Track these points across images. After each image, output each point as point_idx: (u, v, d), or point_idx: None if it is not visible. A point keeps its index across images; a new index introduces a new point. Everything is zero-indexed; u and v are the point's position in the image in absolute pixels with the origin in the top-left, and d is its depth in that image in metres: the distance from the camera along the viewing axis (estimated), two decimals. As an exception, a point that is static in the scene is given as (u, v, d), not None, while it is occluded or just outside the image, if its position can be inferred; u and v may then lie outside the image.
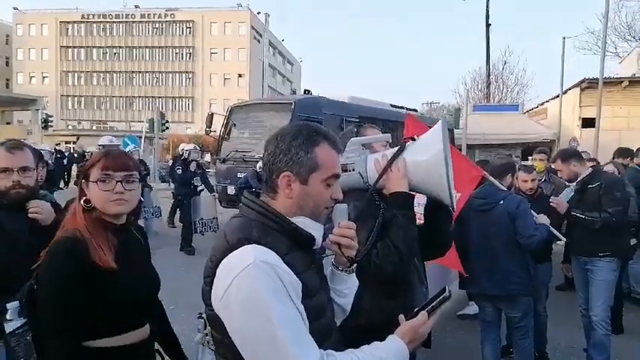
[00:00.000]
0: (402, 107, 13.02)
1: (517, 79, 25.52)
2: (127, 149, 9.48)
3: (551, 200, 3.76)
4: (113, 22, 55.92)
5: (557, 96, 18.56)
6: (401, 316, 1.28)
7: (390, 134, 2.10)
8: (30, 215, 1.93)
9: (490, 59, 23.17)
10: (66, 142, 30.41)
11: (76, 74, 56.81)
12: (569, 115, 17.52)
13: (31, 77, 56.04)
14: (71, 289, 1.43)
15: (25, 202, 1.96)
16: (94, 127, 52.39)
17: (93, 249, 1.47)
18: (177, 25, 55.52)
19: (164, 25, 55.55)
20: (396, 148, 1.87)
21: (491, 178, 3.54)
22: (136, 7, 56.02)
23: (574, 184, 3.87)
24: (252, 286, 1.09)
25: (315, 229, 1.29)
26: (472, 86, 25.34)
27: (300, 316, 1.13)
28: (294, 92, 20.57)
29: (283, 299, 1.11)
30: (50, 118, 25.80)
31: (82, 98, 56.95)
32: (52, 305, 1.43)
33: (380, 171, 1.84)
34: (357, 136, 2.04)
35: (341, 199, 1.34)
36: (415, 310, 1.27)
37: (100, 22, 56.09)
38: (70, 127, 52.31)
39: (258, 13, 54.65)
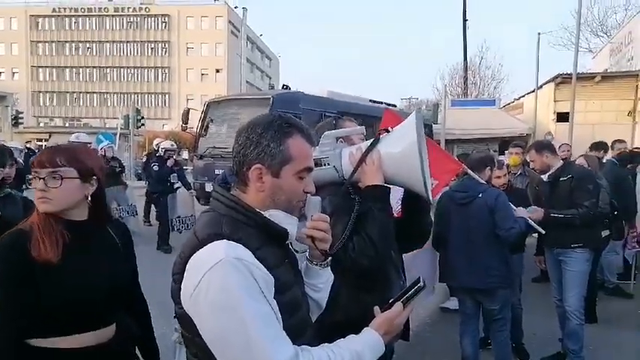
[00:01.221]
0: (381, 102, 13.03)
1: (494, 75, 25.96)
2: (100, 146, 9.26)
3: (526, 216, 3.71)
4: (85, 15, 54.60)
5: (533, 91, 18.92)
6: (376, 308, 1.26)
7: (364, 127, 2.06)
8: None
9: (467, 54, 23.47)
10: (37, 140, 29.61)
11: (47, 69, 55.32)
12: (544, 110, 17.85)
13: (0, 73, 54.30)
14: (10, 282, 1.41)
15: None
16: (67, 124, 51.06)
17: (34, 243, 1.44)
18: (153, 19, 54.53)
19: (139, 19, 54.48)
20: (371, 141, 1.84)
21: (470, 172, 3.55)
22: (109, 0, 54.75)
23: (546, 175, 3.92)
24: (223, 283, 1.05)
25: (288, 222, 1.25)
26: (450, 81, 25.66)
27: (274, 313, 1.10)
28: (272, 87, 20.47)
29: (255, 296, 1.07)
30: (20, 115, 25.13)
31: (54, 94, 55.53)
32: None
33: (355, 164, 1.80)
34: (334, 130, 1.99)
35: (314, 192, 1.30)
36: (390, 301, 1.25)
37: (72, 15, 54.69)
38: (41, 124, 50.90)
39: (236, 7, 53.96)
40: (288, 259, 1.28)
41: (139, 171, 20.71)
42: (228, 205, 1.21)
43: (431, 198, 1.85)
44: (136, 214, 9.06)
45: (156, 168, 8.42)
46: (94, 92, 55.13)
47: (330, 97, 11.05)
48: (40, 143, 24.48)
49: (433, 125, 15.66)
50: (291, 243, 1.34)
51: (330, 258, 1.40)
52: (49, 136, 38.34)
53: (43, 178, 1.49)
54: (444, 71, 39.78)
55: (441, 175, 3.59)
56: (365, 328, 1.22)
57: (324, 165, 1.82)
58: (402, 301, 1.24)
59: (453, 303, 4.95)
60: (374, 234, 1.71)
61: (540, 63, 19.90)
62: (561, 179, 3.81)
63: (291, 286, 1.22)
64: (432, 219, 3.80)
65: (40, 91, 55.35)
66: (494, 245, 3.38)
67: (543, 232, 3.74)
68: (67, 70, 55.40)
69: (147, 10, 54.06)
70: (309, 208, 1.31)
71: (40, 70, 55.24)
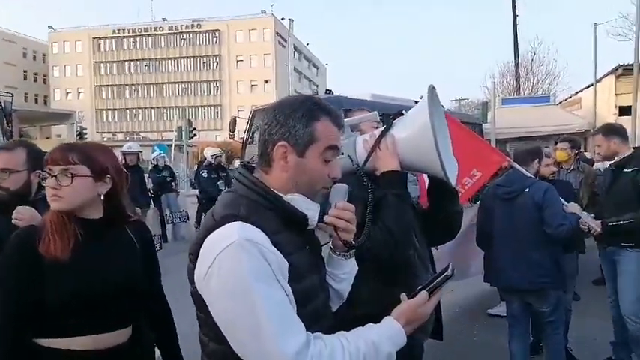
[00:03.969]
0: (427, 103, 12.78)
1: (548, 70, 24.73)
2: (152, 156, 9.67)
3: (584, 227, 3.37)
4: (142, 35, 57.56)
5: (591, 85, 17.86)
6: (403, 295, 1.19)
7: (377, 112, 1.99)
8: (13, 221, 1.83)
9: (519, 51, 22.52)
10: (101, 154, 31.57)
11: (109, 88, 58.72)
12: (605, 104, 16.78)
13: (68, 93, 58.28)
14: (11, 280, 1.41)
15: (8, 205, 1.87)
16: (128, 138, 53.86)
17: (44, 240, 1.43)
18: (204, 35, 56.64)
19: (191, 35, 56.77)
20: (384, 126, 1.77)
21: (516, 165, 3.37)
22: (164, 19, 57.49)
23: (608, 164, 3.61)
24: (233, 265, 1.03)
25: (309, 208, 1.20)
26: (501, 80, 24.71)
27: (287, 298, 1.07)
28: (315, 93, 20.56)
29: (268, 280, 1.04)
30: (85, 131, 26.71)
31: (116, 111, 58.80)
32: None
33: (369, 151, 1.73)
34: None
35: (339, 178, 1.26)
36: (417, 289, 1.18)
37: (130, 36, 57.83)
38: (105, 139, 54.02)
39: (282, 18, 55.02)
40: (309, 246, 1.24)
41: (194, 180, 21.59)
42: (248, 186, 1.19)
43: (452, 180, 1.75)
44: (188, 220, 9.37)
45: (204, 175, 8.70)
46: (151, 107, 57.89)
47: (374, 99, 10.96)
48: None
49: (483, 125, 15.15)
50: (313, 230, 1.30)
51: (354, 249, 1.35)
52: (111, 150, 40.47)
53: (56, 176, 1.47)
54: (494, 69, 38.30)
55: (484, 167, 3.46)
56: (386, 317, 1.16)
57: (339, 154, 1.77)
58: (427, 290, 1.17)
59: (502, 309, 4.72)
60: (390, 221, 1.63)
61: (598, 55, 18.68)
62: (625, 170, 3.46)
63: (308, 274, 1.19)
64: (476, 213, 3.68)
65: (103, 109, 58.81)
66: (542, 243, 3.17)
67: (598, 229, 3.46)
68: (127, 87, 58.56)
69: (198, 26, 56.26)
70: (334, 195, 1.26)
71: (103, 88, 58.72)
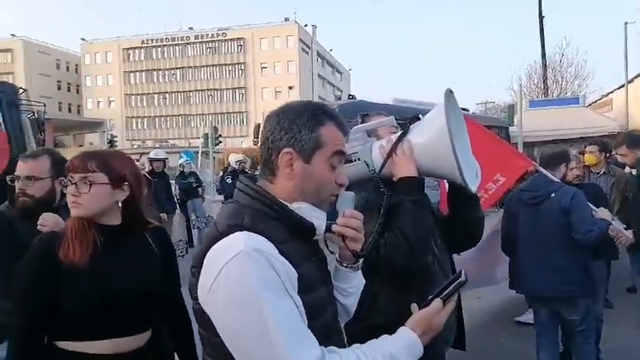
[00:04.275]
0: (452, 107, 12.63)
1: (577, 72, 24.04)
2: (179, 162, 9.84)
3: (612, 234, 3.27)
4: (170, 44, 58.86)
5: (623, 85, 17.30)
6: (413, 305, 1.14)
7: (393, 117, 1.96)
8: (38, 227, 1.88)
9: (546, 52, 21.99)
10: (130, 161, 32.56)
11: (138, 96, 60.19)
12: (637, 105, 16.22)
13: (99, 102, 60.01)
14: (30, 284, 1.47)
15: (33, 212, 1.93)
16: (157, 145, 55.07)
17: (64, 245, 1.47)
18: (229, 43, 57.53)
19: (216, 44, 57.74)
20: (401, 131, 1.74)
21: (542, 169, 3.29)
22: (190, 28, 58.69)
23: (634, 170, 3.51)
24: (241, 276, 0.98)
25: (316, 216, 1.16)
26: (528, 82, 24.14)
27: (298, 309, 1.02)
28: (338, 98, 20.62)
29: (277, 291, 0.99)
30: (115, 139, 27.49)
31: (145, 119, 60.20)
32: (17, 298, 1.48)
33: (385, 157, 1.70)
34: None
35: (347, 184, 1.22)
36: (429, 298, 1.14)
37: (158, 45, 59.20)
38: (135, 146, 55.36)
39: (305, 25, 55.64)
40: (316, 257, 1.20)
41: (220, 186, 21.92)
42: (252, 195, 1.14)
43: (471, 186, 1.71)
44: (213, 226, 9.48)
45: (229, 181, 8.82)
46: (179, 115, 59.03)
47: (396, 103, 10.90)
48: (132, 164, 26.73)
49: (510, 128, 14.85)
50: (325, 241, 1.27)
51: (361, 260, 1.30)
52: (140, 157, 41.49)
53: (75, 183, 1.50)
54: (521, 71, 37.34)
55: (508, 172, 3.39)
56: (400, 328, 1.11)
57: (355, 160, 1.74)
58: (441, 298, 1.13)
59: (530, 317, 4.59)
60: (406, 228, 1.59)
61: (629, 55, 18.07)
62: None
63: (317, 287, 1.14)
64: (501, 220, 3.60)
65: (132, 117, 60.29)
66: (570, 249, 3.08)
67: (631, 238, 3.31)
68: (156, 95, 59.91)
69: (224, 35, 57.17)
70: (342, 203, 1.22)
71: (132, 97, 60.23)
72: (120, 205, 1.58)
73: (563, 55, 23.96)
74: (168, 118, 59.63)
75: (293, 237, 1.12)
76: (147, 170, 7.05)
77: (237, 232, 1.04)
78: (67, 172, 1.56)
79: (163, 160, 7.33)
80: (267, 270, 1.00)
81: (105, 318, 1.48)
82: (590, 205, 3.19)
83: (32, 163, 2.02)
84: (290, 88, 54.77)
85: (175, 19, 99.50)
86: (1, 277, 1.96)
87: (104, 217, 1.56)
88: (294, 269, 1.05)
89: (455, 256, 3.41)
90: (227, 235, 1.05)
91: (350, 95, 11.41)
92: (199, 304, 1.07)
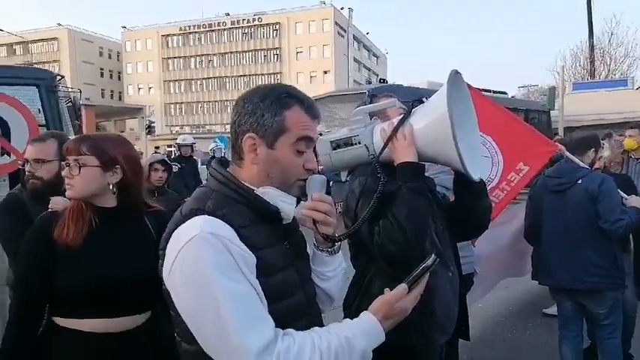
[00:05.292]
0: (489, 90, 12.20)
1: (627, 52, 22.65)
2: (210, 147, 9.96)
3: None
4: (207, 31, 59.51)
5: (678, 66, 16.19)
6: (386, 289, 1.13)
7: (395, 99, 1.87)
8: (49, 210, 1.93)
9: (593, 32, 20.78)
10: (168, 146, 33.28)
11: (176, 83, 61.38)
12: (694, 88, 15.17)
13: (139, 88, 61.65)
14: (29, 261, 1.51)
15: (42, 194, 1.99)
16: (194, 131, 56.27)
17: (60, 226, 1.51)
18: (265, 28, 57.59)
19: (252, 29, 57.93)
20: (402, 114, 1.66)
21: (569, 154, 3.11)
22: (227, 14, 59.10)
23: None
24: (195, 259, 1.00)
25: (284, 201, 1.16)
26: (573, 63, 22.96)
27: (255, 292, 1.02)
28: (369, 82, 20.26)
29: (231, 274, 1.00)
30: (153, 124, 28.16)
31: (183, 105, 61.41)
32: (16, 275, 1.53)
33: (385, 140, 1.63)
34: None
35: (315, 169, 1.20)
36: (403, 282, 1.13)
37: (196, 32, 59.98)
38: (173, 132, 56.75)
39: (342, 8, 54.88)
40: (288, 241, 1.20)
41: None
42: (220, 180, 1.16)
43: (474, 175, 1.62)
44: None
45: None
46: (215, 101, 59.88)
47: (430, 87, 10.63)
48: (170, 149, 27.48)
49: (551, 112, 14.23)
50: (297, 226, 1.26)
51: (338, 244, 1.28)
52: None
53: (69, 165, 1.55)
54: (566, 52, 35.47)
55: (533, 160, 3.21)
56: (363, 312, 1.11)
57: (355, 144, 1.68)
58: (406, 283, 1.12)
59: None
60: (401, 217, 1.53)
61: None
62: None
63: (281, 270, 1.14)
64: (526, 209, 3.44)
65: (171, 103, 61.64)
66: (597, 239, 2.92)
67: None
68: (193, 82, 60.93)
69: (259, 20, 57.27)
70: (310, 187, 1.20)
71: (171, 83, 61.52)
72: (113, 187, 1.60)
73: (612, 35, 22.62)
74: (204, 104, 60.60)
75: (257, 221, 1.12)
76: (175, 155, 7.16)
77: (196, 216, 1.06)
78: (65, 155, 1.60)
79: (191, 146, 7.44)
80: (221, 253, 1.01)
81: (98, 297, 1.51)
82: (621, 192, 3.01)
83: (40, 146, 2.09)
84: (325, 72, 54.42)
85: (213, 4, 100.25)
86: (14, 258, 2.04)
87: (98, 199, 1.60)
88: (252, 254, 1.05)
89: (489, 245, 3.30)
90: (188, 219, 1.07)
91: (381, 79, 11.23)
92: (165, 286, 1.09)
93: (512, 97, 17.32)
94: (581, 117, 14.35)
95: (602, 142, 3.32)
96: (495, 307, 4.82)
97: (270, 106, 1.14)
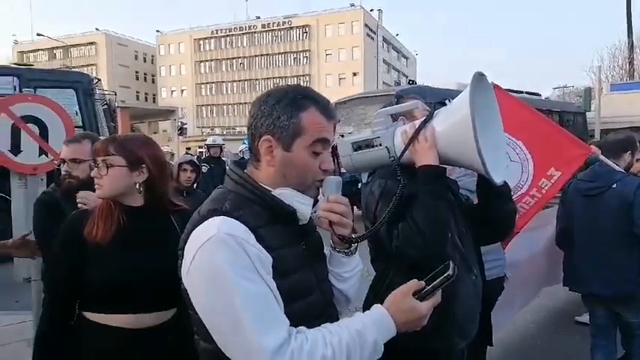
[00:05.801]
0: (521, 92, 11.93)
1: (669, 51, 21.70)
2: (239, 148, 10.10)
3: None
4: (238, 34, 60.41)
5: None
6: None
7: (419, 100, 1.85)
8: (78, 205, 1.99)
9: (632, 31, 20.01)
10: (199, 147, 33.98)
11: (208, 85, 62.55)
12: None
13: (172, 91, 63.12)
14: (61, 254, 1.57)
15: (76, 192, 2.05)
16: (224, 133, 57.16)
17: (89, 223, 1.57)
18: (295, 30, 58.01)
19: (283, 32, 58.45)
20: (424, 117, 1.65)
21: (603, 157, 3.00)
22: (257, 17, 59.83)
23: None
24: (212, 259, 1.02)
25: (300, 201, 1.17)
26: (611, 64, 22.19)
27: (271, 293, 1.04)
28: (398, 83, 20.16)
29: (247, 274, 1.01)
30: (185, 126, 28.79)
31: (214, 107, 62.51)
32: (48, 272, 1.58)
33: (406, 143, 1.62)
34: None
35: (331, 170, 1.20)
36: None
37: (227, 35, 60.98)
38: (204, 134, 57.81)
39: (371, 10, 54.76)
40: (304, 242, 1.21)
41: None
42: (237, 181, 1.17)
43: (496, 179, 1.59)
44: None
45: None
46: (246, 103, 60.57)
47: (459, 88, 10.47)
48: (200, 150, 28.05)
49: (587, 114, 13.78)
50: (314, 227, 1.26)
51: (355, 245, 1.28)
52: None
53: (98, 166, 1.61)
54: (603, 52, 34.23)
55: (565, 165, 3.09)
56: (374, 305, 1.12)
57: (377, 146, 1.68)
58: (425, 292, 1.10)
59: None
60: (420, 220, 1.52)
61: None
62: None
63: (297, 270, 1.15)
64: (558, 213, 3.34)
65: (202, 105, 62.85)
66: (632, 246, 2.82)
67: None
68: (224, 84, 61.95)
69: (289, 22, 57.74)
70: (326, 188, 1.20)
71: (203, 86, 62.74)
72: (138, 186, 1.65)
73: (653, 33, 21.71)
74: (235, 105, 61.46)
75: (273, 222, 1.13)
76: (205, 156, 7.28)
77: (214, 217, 1.08)
78: (94, 156, 1.66)
79: (219, 146, 7.58)
80: (237, 254, 1.02)
81: (125, 294, 1.55)
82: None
83: (75, 147, 2.18)
84: (354, 74, 54.35)
85: (243, 8, 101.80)
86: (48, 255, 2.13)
87: (126, 198, 1.65)
88: (268, 254, 1.06)
89: (524, 251, 3.21)
90: (206, 220, 1.09)
91: (410, 80, 11.16)
92: (184, 284, 1.11)
93: (547, 98, 16.85)
94: (618, 119, 13.82)
95: (638, 144, 3.19)
96: (526, 313, 4.70)
97: (286, 108, 1.14)
